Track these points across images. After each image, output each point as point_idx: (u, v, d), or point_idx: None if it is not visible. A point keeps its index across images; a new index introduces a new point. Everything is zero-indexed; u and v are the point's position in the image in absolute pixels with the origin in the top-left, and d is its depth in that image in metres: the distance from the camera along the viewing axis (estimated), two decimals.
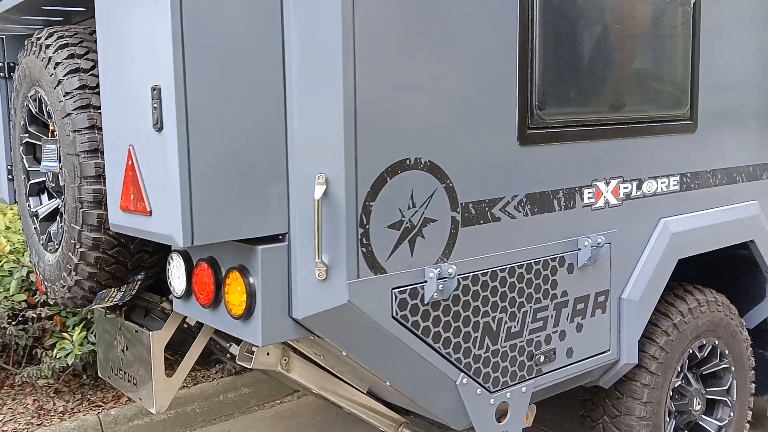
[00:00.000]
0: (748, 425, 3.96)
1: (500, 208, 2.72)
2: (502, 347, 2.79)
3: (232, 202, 2.25)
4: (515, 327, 2.82)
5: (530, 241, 2.83)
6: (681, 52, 3.33)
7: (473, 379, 2.70)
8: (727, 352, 3.79)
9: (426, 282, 2.50)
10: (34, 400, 4.58)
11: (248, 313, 2.36)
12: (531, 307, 2.86)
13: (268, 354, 2.87)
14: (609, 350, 3.20)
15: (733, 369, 3.84)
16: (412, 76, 2.42)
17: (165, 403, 3.03)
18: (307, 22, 2.28)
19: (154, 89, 2.16)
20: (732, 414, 3.85)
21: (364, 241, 2.35)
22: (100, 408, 4.53)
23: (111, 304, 2.89)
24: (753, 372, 3.97)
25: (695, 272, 3.72)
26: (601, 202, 3.09)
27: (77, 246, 2.65)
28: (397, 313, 2.45)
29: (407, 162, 2.43)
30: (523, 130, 2.74)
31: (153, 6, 2.15)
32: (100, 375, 3.46)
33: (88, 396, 4.68)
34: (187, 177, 2.14)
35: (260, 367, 2.87)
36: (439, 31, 2.47)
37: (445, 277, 2.52)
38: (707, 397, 3.81)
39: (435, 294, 2.49)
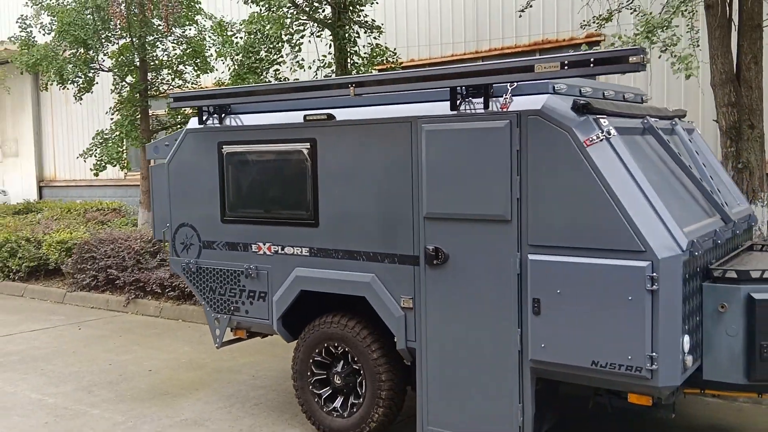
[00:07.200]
0: (381, 411, 6.36)
1: (215, 245, 7.30)
2: (218, 297, 7.33)
3: None
4: (222, 292, 7.30)
5: (229, 261, 7.22)
6: (307, 186, 6.61)
7: (209, 306, 7.43)
8: (356, 359, 6.48)
9: (187, 264, 7.50)
10: None
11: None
12: (227, 287, 7.24)
13: None
14: (268, 320, 6.98)
15: (362, 372, 6.45)
16: (190, 197, 7.46)
17: None
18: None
19: None
20: (362, 399, 6.49)
21: (175, 246, 7.64)
22: None
23: None
24: (387, 382, 6.32)
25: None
26: (262, 252, 6.97)
27: None
28: (183, 272, 7.59)
29: (185, 223, 7.53)
30: (222, 217, 7.21)
31: None
32: None
33: None
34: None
35: None
36: (196, 176, 7.39)
37: (195, 264, 7.45)
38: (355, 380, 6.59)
39: (187, 270, 7.48)
